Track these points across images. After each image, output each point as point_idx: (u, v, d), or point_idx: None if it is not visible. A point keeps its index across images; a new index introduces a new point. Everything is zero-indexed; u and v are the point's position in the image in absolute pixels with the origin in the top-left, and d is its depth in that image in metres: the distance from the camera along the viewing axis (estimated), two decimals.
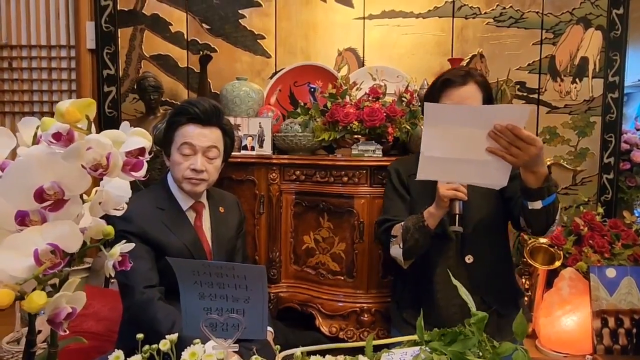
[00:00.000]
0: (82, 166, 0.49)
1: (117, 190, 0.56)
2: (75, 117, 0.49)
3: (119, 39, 2.33)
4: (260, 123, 1.92)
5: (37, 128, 0.53)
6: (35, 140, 0.54)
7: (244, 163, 1.89)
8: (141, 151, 0.53)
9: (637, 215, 2.33)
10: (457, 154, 1.17)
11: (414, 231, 1.34)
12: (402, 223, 1.39)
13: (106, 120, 2.31)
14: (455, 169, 1.19)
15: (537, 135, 2.38)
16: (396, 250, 1.39)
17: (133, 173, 0.53)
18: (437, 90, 1.41)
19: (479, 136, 1.14)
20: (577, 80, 2.33)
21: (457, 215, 1.27)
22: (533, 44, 2.32)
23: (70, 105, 0.49)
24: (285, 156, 1.91)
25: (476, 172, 1.19)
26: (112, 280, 1.98)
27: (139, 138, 0.54)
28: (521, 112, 1.14)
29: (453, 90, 1.38)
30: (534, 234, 1.38)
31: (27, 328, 0.57)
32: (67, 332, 0.52)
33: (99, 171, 0.50)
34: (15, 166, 0.49)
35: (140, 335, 0.79)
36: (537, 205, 1.23)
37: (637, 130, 2.60)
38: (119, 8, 2.31)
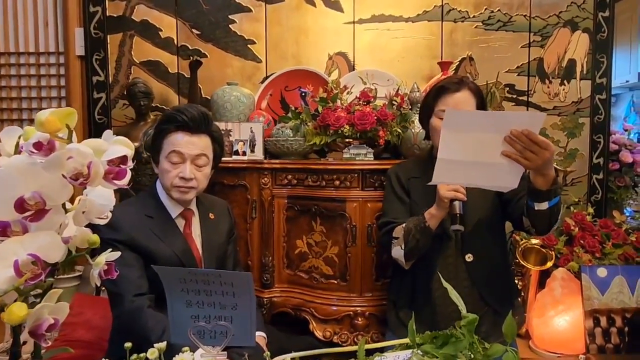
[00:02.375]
0: (63, 176, 0.49)
1: (101, 199, 0.55)
2: (56, 127, 0.49)
3: (109, 45, 2.32)
4: (251, 128, 1.91)
5: (20, 137, 0.53)
6: (18, 150, 0.53)
7: (236, 168, 1.88)
8: (123, 159, 0.53)
9: (626, 214, 2.35)
10: (473, 157, 1.20)
11: (415, 232, 1.39)
12: (404, 225, 1.43)
13: (96, 127, 2.29)
14: (470, 172, 1.23)
15: None
16: (398, 252, 1.43)
17: (116, 181, 0.53)
18: (433, 97, 1.47)
19: (495, 140, 1.18)
20: (565, 82, 2.36)
21: (458, 215, 1.33)
22: (521, 47, 2.35)
23: (50, 114, 0.49)
24: (277, 161, 1.91)
25: (489, 174, 1.23)
26: (103, 289, 1.96)
27: (120, 146, 0.53)
28: (537, 119, 1.19)
29: (448, 96, 1.43)
30: (537, 234, 1.43)
31: None
32: (50, 343, 0.51)
33: (80, 180, 0.49)
34: None
35: (128, 344, 0.78)
36: (544, 206, 1.28)
37: (625, 130, 2.62)
38: (108, 14, 2.31)
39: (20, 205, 0.48)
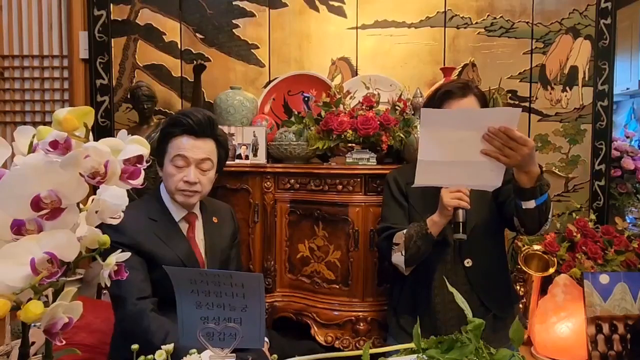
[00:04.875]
0: (80, 174, 0.49)
1: (114, 198, 0.55)
2: (73, 125, 0.49)
3: (113, 49, 2.32)
4: (254, 132, 1.92)
5: (33, 137, 0.53)
6: (31, 149, 0.53)
7: (239, 172, 1.88)
8: (139, 159, 0.53)
9: (628, 221, 2.35)
10: (453, 157, 1.20)
11: (417, 239, 1.38)
12: (404, 231, 1.42)
13: (99, 130, 2.30)
14: (452, 172, 1.23)
15: None
16: (398, 258, 1.42)
17: (130, 181, 0.53)
18: (438, 101, 1.46)
19: (474, 139, 1.18)
20: (567, 88, 2.37)
21: (461, 223, 1.31)
22: (523, 53, 2.36)
23: (68, 113, 0.49)
24: (280, 165, 1.91)
25: (472, 174, 1.23)
26: (104, 292, 1.95)
27: (137, 146, 0.53)
28: (512, 114, 1.17)
29: (453, 101, 1.42)
30: (527, 233, 1.43)
31: (17, 341, 0.56)
32: (64, 342, 0.51)
33: (97, 179, 0.49)
34: (12, 175, 0.49)
35: (135, 346, 0.78)
36: (531, 204, 1.27)
37: (627, 137, 2.63)
38: (112, 18, 2.32)
39: (37, 203, 0.48)
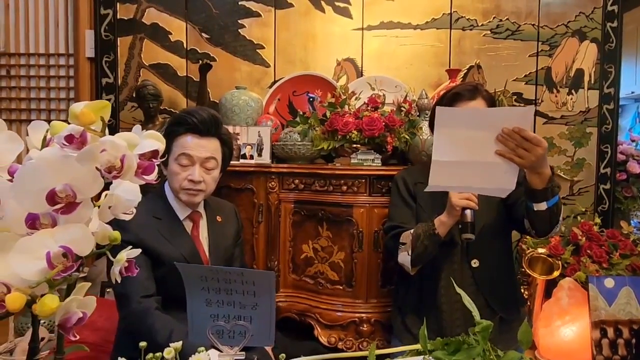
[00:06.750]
0: (97, 168, 0.49)
1: (128, 194, 0.55)
2: (90, 119, 0.49)
3: (118, 48, 2.33)
4: (259, 132, 1.92)
5: (47, 132, 0.53)
6: (45, 144, 0.53)
7: (243, 172, 1.88)
8: (154, 154, 0.53)
9: (634, 225, 2.34)
10: (467, 157, 1.18)
11: (424, 238, 1.38)
12: (412, 230, 1.42)
13: None
14: (466, 173, 1.21)
15: None
16: (404, 257, 1.42)
17: (144, 176, 0.53)
18: (446, 102, 1.46)
19: (488, 139, 1.17)
20: (572, 91, 2.36)
21: (469, 224, 1.31)
22: (529, 56, 2.35)
23: (85, 107, 0.49)
24: (284, 165, 1.91)
25: (486, 175, 1.21)
26: (108, 290, 1.95)
27: (152, 141, 0.53)
28: (527, 114, 1.18)
29: (462, 103, 1.44)
30: (538, 235, 1.42)
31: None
32: (77, 337, 0.51)
33: (113, 173, 0.49)
34: (27, 169, 0.49)
35: (143, 343, 0.78)
36: (542, 206, 1.27)
37: (633, 141, 2.62)
38: (118, 17, 2.32)
39: (52, 197, 0.47)
